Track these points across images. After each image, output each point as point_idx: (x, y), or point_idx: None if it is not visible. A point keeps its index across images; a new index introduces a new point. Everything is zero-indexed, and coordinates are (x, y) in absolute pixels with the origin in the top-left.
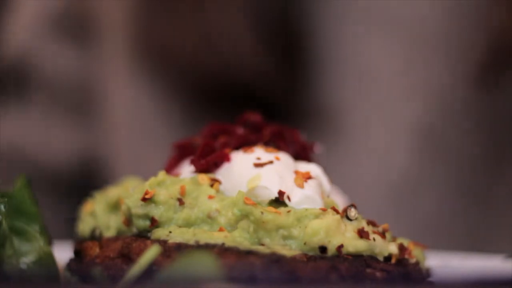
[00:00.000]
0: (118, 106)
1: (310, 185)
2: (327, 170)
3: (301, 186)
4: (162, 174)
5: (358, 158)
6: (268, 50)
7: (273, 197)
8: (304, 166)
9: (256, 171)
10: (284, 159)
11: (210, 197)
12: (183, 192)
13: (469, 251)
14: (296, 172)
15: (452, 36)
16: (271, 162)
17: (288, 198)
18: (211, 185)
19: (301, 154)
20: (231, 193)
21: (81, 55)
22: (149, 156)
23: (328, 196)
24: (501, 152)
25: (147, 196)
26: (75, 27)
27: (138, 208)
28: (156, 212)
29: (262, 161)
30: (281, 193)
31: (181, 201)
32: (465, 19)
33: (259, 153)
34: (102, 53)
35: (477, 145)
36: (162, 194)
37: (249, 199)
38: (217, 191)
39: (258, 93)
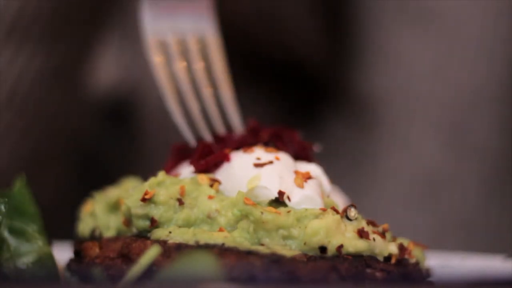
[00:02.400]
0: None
1: (310, 185)
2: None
3: (301, 186)
4: (161, 175)
5: (392, 150)
6: (323, 31)
7: (273, 197)
8: (304, 166)
9: (256, 171)
10: (284, 159)
11: (210, 197)
12: (183, 193)
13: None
14: (296, 172)
15: (494, 36)
16: (271, 162)
17: (288, 198)
18: (211, 185)
19: (301, 154)
20: (231, 193)
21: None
22: None
23: (328, 196)
24: None
25: (147, 197)
26: None
27: (138, 209)
28: (156, 212)
29: (262, 161)
30: (281, 193)
31: (181, 202)
32: (504, 18)
33: (259, 153)
34: None
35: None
36: (162, 195)
37: (249, 199)
38: (217, 191)
39: (307, 72)
